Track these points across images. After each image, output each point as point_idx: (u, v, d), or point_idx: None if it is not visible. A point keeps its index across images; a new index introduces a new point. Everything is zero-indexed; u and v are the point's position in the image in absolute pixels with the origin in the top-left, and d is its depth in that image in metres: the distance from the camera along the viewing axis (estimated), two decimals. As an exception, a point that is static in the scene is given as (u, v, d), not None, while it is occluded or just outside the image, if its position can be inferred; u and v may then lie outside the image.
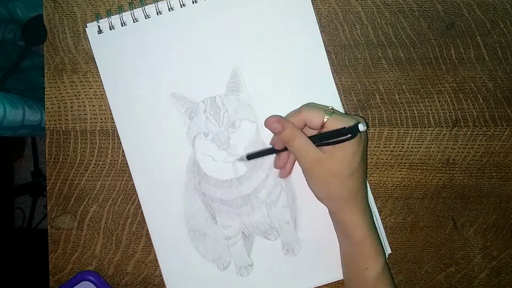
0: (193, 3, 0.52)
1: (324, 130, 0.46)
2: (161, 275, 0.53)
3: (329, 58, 0.53)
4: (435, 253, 0.55)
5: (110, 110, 0.53)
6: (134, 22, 0.52)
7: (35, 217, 1.39)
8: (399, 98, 0.54)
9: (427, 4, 0.54)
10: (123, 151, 0.53)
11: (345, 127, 0.44)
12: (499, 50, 0.54)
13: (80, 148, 0.54)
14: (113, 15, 0.52)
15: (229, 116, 0.52)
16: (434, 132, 0.54)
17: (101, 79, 0.53)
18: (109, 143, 0.54)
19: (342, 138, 0.44)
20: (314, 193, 0.48)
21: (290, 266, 0.53)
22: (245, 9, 0.53)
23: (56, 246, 0.54)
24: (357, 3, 0.54)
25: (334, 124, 0.45)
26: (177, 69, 0.52)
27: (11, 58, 0.76)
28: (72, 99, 0.54)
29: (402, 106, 0.54)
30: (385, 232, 0.54)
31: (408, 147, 0.54)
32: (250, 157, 0.50)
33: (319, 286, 0.54)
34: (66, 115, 0.54)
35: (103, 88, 0.53)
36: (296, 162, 0.50)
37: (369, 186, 0.54)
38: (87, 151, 0.54)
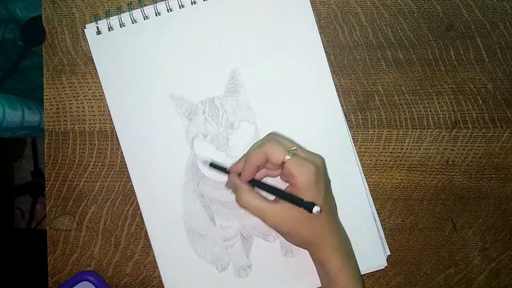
0: (192, 4, 0.52)
1: (284, 170, 0.44)
2: (159, 276, 0.53)
3: (328, 59, 0.53)
4: (434, 255, 0.55)
5: (109, 111, 0.53)
6: (133, 23, 0.52)
7: (35, 217, 1.39)
8: (398, 100, 0.54)
9: (426, 5, 0.54)
10: (121, 152, 0.53)
11: (302, 200, 0.43)
12: (498, 51, 0.54)
13: (79, 149, 0.54)
14: (111, 16, 0.52)
15: (227, 117, 0.52)
16: (434, 133, 0.54)
17: (99, 80, 0.53)
18: (107, 144, 0.53)
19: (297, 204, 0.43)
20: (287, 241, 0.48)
21: (289, 268, 0.53)
22: (244, 10, 0.52)
23: (55, 247, 0.54)
24: (356, 4, 0.53)
25: (292, 167, 0.43)
26: (176, 70, 0.52)
27: (11, 58, 0.76)
28: (71, 100, 0.54)
29: (402, 108, 0.54)
30: (384, 234, 0.54)
31: (407, 149, 0.54)
32: (212, 166, 0.50)
33: (318, 288, 0.54)
34: (65, 116, 0.54)
35: (102, 89, 0.53)
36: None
37: (368, 187, 0.54)
38: (86, 152, 0.54)
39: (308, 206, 0.42)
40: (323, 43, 0.53)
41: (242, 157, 0.48)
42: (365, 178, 0.53)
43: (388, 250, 0.54)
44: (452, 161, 0.54)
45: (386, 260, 0.53)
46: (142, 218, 0.53)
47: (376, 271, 0.54)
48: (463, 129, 0.54)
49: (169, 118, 0.52)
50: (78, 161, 0.54)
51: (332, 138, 0.53)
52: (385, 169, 0.54)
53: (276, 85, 0.53)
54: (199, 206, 0.53)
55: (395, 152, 0.54)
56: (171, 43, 0.52)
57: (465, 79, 0.54)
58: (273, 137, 0.47)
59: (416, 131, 0.54)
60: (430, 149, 0.54)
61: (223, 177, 0.52)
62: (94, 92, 0.53)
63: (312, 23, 0.53)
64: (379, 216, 0.54)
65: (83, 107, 0.54)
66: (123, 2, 0.53)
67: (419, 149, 0.54)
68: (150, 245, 0.53)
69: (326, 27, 0.54)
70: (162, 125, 0.53)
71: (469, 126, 0.54)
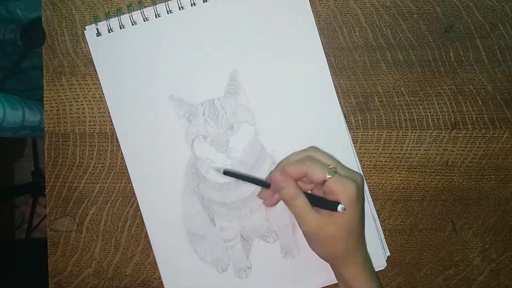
0: (191, 6, 0.52)
1: (325, 188, 0.45)
2: (160, 278, 0.53)
3: (328, 61, 0.53)
4: (434, 256, 0.55)
5: (109, 112, 0.53)
6: (132, 24, 0.52)
7: (35, 217, 1.39)
8: (398, 101, 0.54)
9: (426, 6, 0.54)
10: (122, 154, 0.53)
11: (338, 203, 0.44)
12: (498, 52, 0.54)
13: (79, 150, 0.54)
14: (111, 17, 0.52)
15: (227, 119, 0.52)
16: (433, 134, 0.54)
17: (99, 81, 0.53)
18: (108, 146, 0.54)
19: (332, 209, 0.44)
20: (314, 252, 0.48)
21: (289, 269, 0.53)
22: (243, 12, 0.52)
23: (55, 248, 0.54)
24: (356, 5, 0.53)
25: (334, 184, 0.44)
26: (176, 72, 0.52)
27: (11, 58, 0.76)
28: (71, 101, 0.54)
29: (401, 109, 0.54)
30: (384, 235, 0.54)
31: (407, 150, 0.54)
32: (227, 173, 0.50)
33: (318, 289, 0.54)
34: (65, 117, 0.54)
35: (102, 91, 0.53)
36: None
37: (368, 188, 0.54)
38: (86, 154, 0.54)
39: (332, 205, 0.43)
40: (322, 44, 0.53)
41: (278, 165, 0.48)
42: (365, 179, 0.54)
43: (388, 251, 0.54)
44: (452, 162, 0.54)
45: (386, 261, 0.54)
46: (142, 220, 0.53)
47: (376, 272, 0.54)
48: (462, 130, 0.54)
49: (169, 120, 0.52)
50: (78, 162, 0.54)
51: (332, 139, 0.53)
52: (384, 170, 0.54)
53: (275, 86, 0.53)
54: (199, 207, 0.53)
55: (394, 153, 0.54)
56: (170, 45, 0.52)
57: (465, 80, 0.54)
58: (313, 154, 0.47)
59: (415, 132, 0.54)
60: (429, 150, 0.54)
61: (223, 179, 0.52)
62: (94, 94, 0.53)
63: (311, 24, 0.53)
64: (378, 217, 0.54)
65: (83, 108, 0.54)
66: (123, 4, 0.53)
67: (419, 150, 0.54)
68: (150, 246, 0.53)
69: (325, 28, 0.54)
70: (162, 126, 0.53)
71: (468, 127, 0.54)
